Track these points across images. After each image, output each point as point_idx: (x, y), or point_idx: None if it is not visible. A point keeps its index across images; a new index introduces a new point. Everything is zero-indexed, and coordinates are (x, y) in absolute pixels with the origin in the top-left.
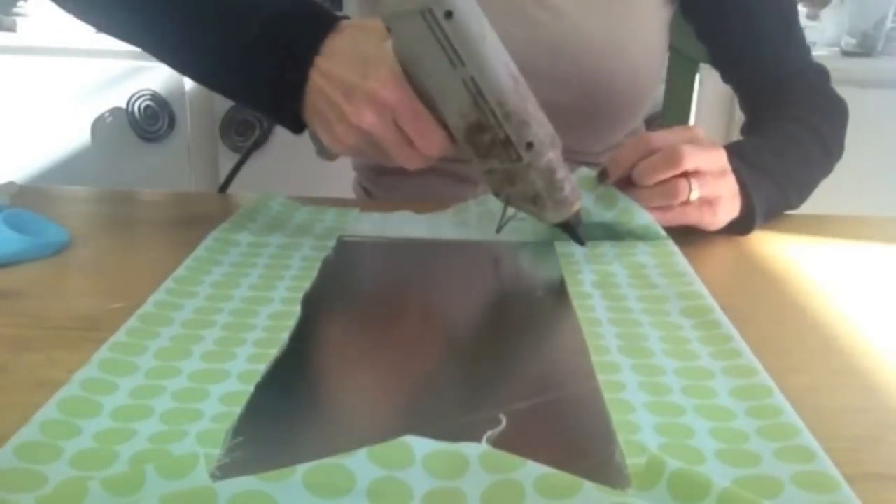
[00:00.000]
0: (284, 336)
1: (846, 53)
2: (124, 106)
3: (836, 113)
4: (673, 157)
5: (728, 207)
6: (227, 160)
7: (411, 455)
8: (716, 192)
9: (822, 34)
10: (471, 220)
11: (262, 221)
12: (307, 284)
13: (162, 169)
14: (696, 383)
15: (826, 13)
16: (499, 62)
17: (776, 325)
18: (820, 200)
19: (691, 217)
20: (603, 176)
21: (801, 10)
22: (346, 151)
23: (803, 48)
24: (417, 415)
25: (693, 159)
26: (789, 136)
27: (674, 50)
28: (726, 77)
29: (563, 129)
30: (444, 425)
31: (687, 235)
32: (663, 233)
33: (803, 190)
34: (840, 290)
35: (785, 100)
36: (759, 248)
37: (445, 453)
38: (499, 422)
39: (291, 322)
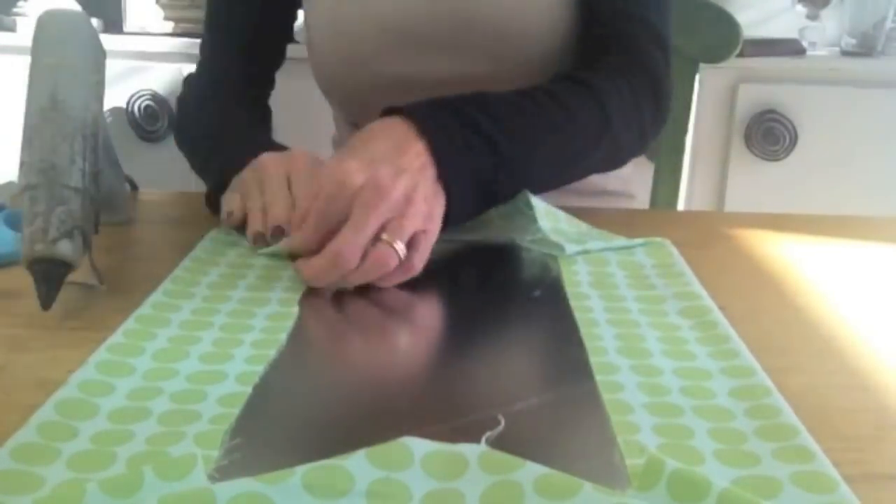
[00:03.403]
0: (282, 337)
1: (846, 53)
2: (124, 106)
3: (645, 86)
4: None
5: (439, 209)
6: None
7: (410, 456)
8: (416, 226)
9: (822, 34)
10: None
11: None
12: (305, 285)
13: (162, 169)
14: (695, 384)
15: (826, 13)
16: None
17: (775, 325)
18: (820, 201)
19: (425, 253)
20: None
21: (801, 10)
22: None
23: (643, 10)
24: (416, 416)
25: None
26: (547, 94)
27: (674, 49)
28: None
29: None
30: (443, 426)
31: (685, 235)
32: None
33: (538, 148)
34: (839, 290)
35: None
36: (758, 248)
37: (444, 454)
38: (497, 422)
39: (289, 323)
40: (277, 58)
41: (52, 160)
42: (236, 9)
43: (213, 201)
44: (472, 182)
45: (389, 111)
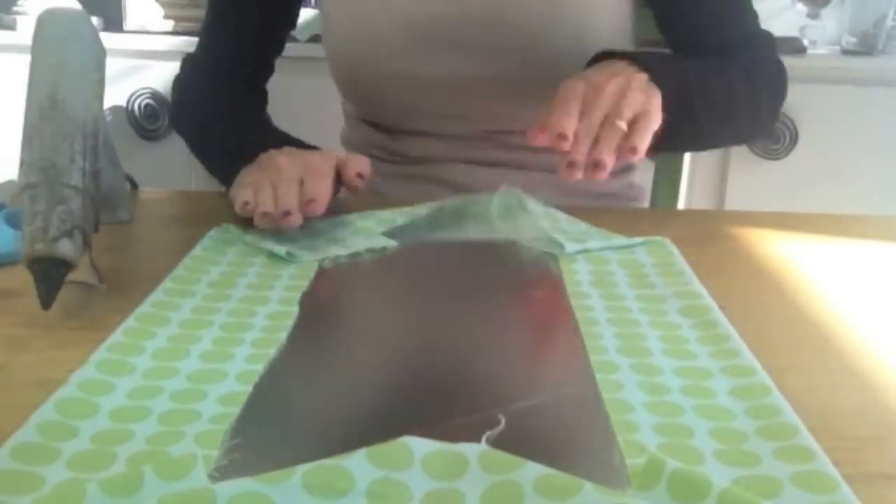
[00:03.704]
0: (283, 336)
1: (846, 52)
2: (124, 104)
3: (775, 78)
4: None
5: (657, 101)
6: None
7: (410, 456)
8: (634, 109)
9: (822, 33)
10: (468, 220)
11: None
12: (305, 284)
13: (162, 168)
14: (695, 383)
15: (826, 12)
16: None
17: (775, 325)
18: (820, 200)
19: (646, 132)
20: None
21: (802, 9)
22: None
23: (749, 14)
24: (416, 415)
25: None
26: (714, 64)
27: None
28: (671, 44)
29: (510, 104)
30: (443, 426)
31: (686, 234)
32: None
33: (716, 106)
34: (839, 290)
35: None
36: (758, 248)
37: (445, 454)
38: (498, 422)
39: (289, 322)
40: (278, 45)
41: (52, 159)
42: None
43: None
44: (678, 91)
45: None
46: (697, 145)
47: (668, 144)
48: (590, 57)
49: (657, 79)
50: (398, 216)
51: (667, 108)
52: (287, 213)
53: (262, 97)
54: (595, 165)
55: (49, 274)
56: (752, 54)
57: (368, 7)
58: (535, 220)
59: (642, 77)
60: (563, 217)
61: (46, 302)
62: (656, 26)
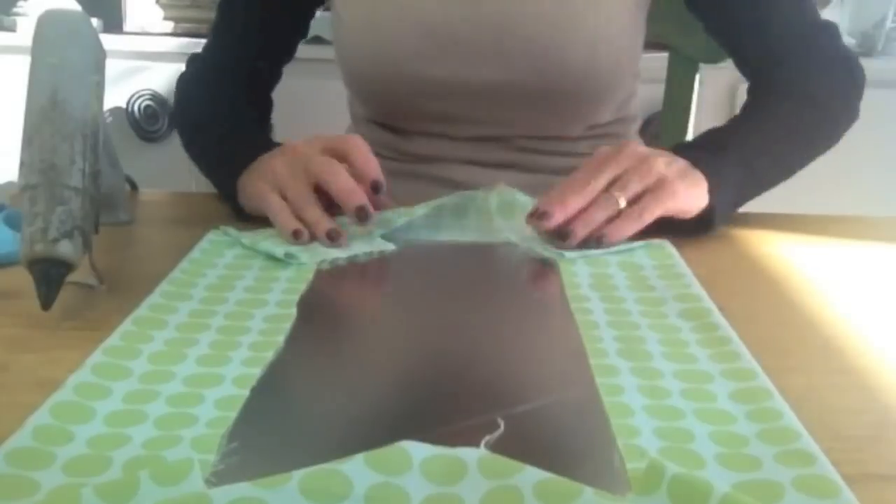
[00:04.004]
0: (280, 339)
1: None
2: (124, 106)
3: (839, 71)
4: (575, 182)
5: (685, 184)
6: None
7: (409, 460)
8: (646, 181)
9: None
10: (468, 218)
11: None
12: (303, 287)
13: (162, 169)
14: (696, 386)
15: (826, 13)
16: None
17: (775, 326)
18: (820, 200)
19: (640, 220)
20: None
21: None
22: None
23: (808, 7)
24: (414, 419)
25: (592, 170)
26: (772, 109)
27: (674, 50)
28: (728, 47)
29: (520, 110)
30: (442, 430)
31: (685, 236)
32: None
33: (787, 160)
34: (839, 290)
35: (785, 67)
36: (758, 248)
37: (443, 458)
38: (497, 426)
39: (287, 325)
40: (288, 53)
41: (51, 160)
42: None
43: (229, 196)
44: (731, 200)
45: None
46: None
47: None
48: (601, 65)
49: (707, 173)
50: (396, 217)
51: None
52: (362, 209)
53: (266, 104)
54: (561, 235)
55: (49, 275)
56: (810, 52)
57: (385, 9)
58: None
59: (685, 164)
60: None
61: (46, 303)
62: (705, 29)
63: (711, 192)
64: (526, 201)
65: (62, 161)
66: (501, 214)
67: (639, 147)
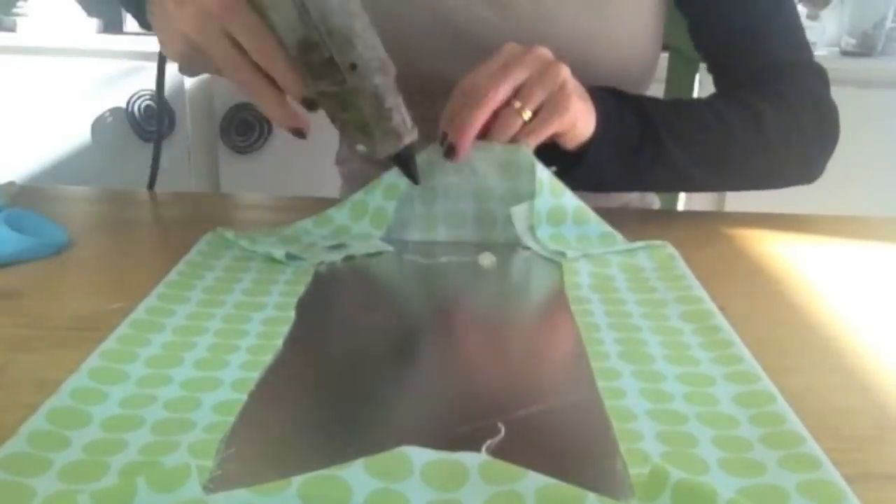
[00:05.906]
0: (278, 342)
1: (846, 53)
2: (124, 106)
3: (808, 113)
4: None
5: (581, 101)
6: (227, 160)
7: (409, 466)
8: (549, 89)
9: (822, 34)
10: (467, 221)
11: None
12: (302, 289)
13: (162, 169)
14: (698, 390)
15: (826, 13)
16: None
17: (775, 326)
18: (820, 200)
19: (537, 137)
20: (444, 141)
21: (801, 10)
22: (182, 60)
23: (792, 41)
24: (415, 424)
25: (498, 73)
26: (711, 102)
27: (674, 50)
28: (708, 65)
29: None
30: (443, 435)
31: (685, 235)
32: (620, 239)
33: (695, 150)
34: (839, 290)
35: (759, 87)
36: (758, 249)
37: (444, 464)
38: (498, 431)
39: (286, 328)
40: None
41: (379, 56)
42: None
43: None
44: (616, 137)
45: None
46: (682, 184)
47: (638, 179)
48: (630, 76)
49: (597, 94)
50: (388, 205)
51: (617, 126)
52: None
53: None
54: (448, 149)
55: (412, 156)
56: (784, 86)
57: (410, 6)
58: (534, 229)
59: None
60: (569, 209)
61: (419, 178)
62: (692, 45)
63: (596, 125)
64: (537, 169)
65: (383, 53)
66: (500, 215)
67: (547, 52)
